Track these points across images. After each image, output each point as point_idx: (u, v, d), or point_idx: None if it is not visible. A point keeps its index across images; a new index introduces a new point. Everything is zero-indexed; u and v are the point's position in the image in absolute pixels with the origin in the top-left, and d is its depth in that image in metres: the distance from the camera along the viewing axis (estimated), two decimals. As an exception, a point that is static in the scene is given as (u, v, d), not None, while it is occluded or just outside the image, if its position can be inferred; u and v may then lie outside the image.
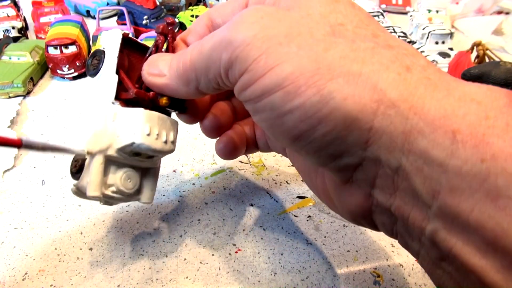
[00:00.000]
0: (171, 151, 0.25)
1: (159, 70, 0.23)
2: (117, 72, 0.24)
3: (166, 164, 0.38)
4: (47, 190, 0.35)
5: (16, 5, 0.61)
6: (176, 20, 0.61)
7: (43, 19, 0.60)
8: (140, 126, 0.22)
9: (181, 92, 0.22)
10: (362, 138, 0.16)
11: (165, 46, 0.25)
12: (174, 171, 0.37)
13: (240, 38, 0.18)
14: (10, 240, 0.30)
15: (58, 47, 0.49)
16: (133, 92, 0.23)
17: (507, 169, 0.13)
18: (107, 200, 0.24)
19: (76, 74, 0.51)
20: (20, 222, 0.31)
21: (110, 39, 0.24)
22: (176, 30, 0.27)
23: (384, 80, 0.16)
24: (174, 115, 0.27)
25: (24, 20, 0.61)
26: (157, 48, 0.25)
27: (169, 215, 0.33)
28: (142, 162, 0.25)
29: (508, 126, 0.14)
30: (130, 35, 0.25)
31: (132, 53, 0.25)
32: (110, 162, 0.24)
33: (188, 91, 0.22)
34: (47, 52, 0.50)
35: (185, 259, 0.29)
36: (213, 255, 0.30)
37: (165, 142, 0.24)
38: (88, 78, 0.52)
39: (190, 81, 0.21)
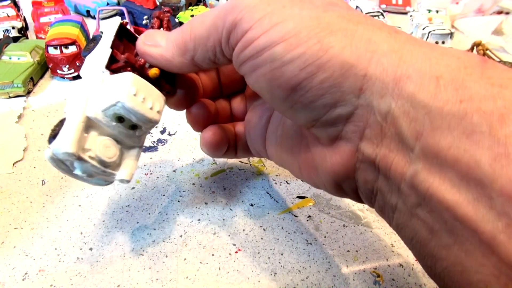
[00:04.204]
0: (156, 121, 0.24)
1: (156, 41, 0.24)
2: (111, 48, 0.24)
3: (166, 164, 0.38)
4: (47, 190, 0.35)
5: (16, 5, 0.60)
6: (176, 20, 0.61)
7: (43, 19, 0.60)
8: (126, 86, 0.22)
9: (176, 62, 0.23)
10: (357, 85, 0.18)
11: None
12: (174, 171, 0.37)
13: (245, 2, 0.19)
14: (10, 240, 0.30)
15: (58, 47, 0.49)
16: (124, 57, 0.24)
17: (481, 107, 0.15)
18: (82, 166, 0.23)
19: (76, 74, 0.50)
20: (20, 222, 0.31)
21: (109, 25, 0.25)
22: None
23: (377, 36, 0.18)
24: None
25: (24, 20, 0.61)
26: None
27: (169, 215, 0.33)
28: (125, 135, 0.24)
29: (482, 74, 0.16)
30: (128, 26, 0.26)
31: (127, 43, 0.26)
32: (90, 127, 0.23)
33: (183, 62, 0.23)
34: (47, 52, 0.50)
35: (185, 259, 0.29)
36: (213, 255, 0.30)
37: (151, 108, 0.23)
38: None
39: (187, 50, 0.22)
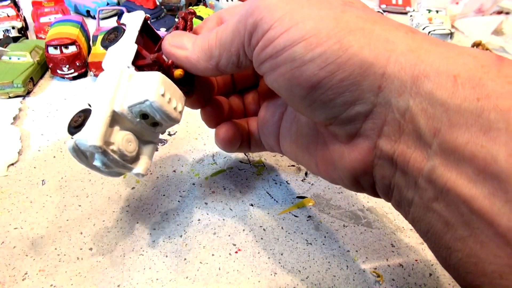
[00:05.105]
0: (178, 120, 0.25)
1: (182, 43, 0.24)
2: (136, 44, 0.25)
3: (166, 164, 0.38)
4: (47, 190, 0.35)
5: (16, 5, 0.60)
6: (176, 20, 0.61)
7: (43, 19, 0.60)
8: (156, 85, 0.23)
9: (200, 66, 0.24)
10: (376, 83, 0.18)
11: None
12: (174, 171, 0.37)
13: (265, 3, 0.20)
14: (10, 240, 0.30)
15: (58, 47, 0.49)
16: (154, 56, 0.24)
17: (498, 105, 0.15)
18: (102, 159, 0.23)
19: (76, 74, 0.50)
20: (20, 222, 0.31)
21: (133, 17, 0.26)
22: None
23: (394, 36, 0.18)
24: None
25: (24, 20, 0.61)
26: (177, 29, 0.26)
27: (169, 215, 0.33)
28: (144, 131, 0.25)
29: (499, 72, 0.16)
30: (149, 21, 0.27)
31: (146, 38, 0.27)
32: (114, 121, 0.23)
33: (207, 67, 0.23)
34: (47, 52, 0.50)
35: (185, 259, 0.29)
36: (213, 255, 0.30)
37: (175, 108, 0.24)
38: (88, 78, 0.52)
39: (213, 57, 0.23)
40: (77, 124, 0.23)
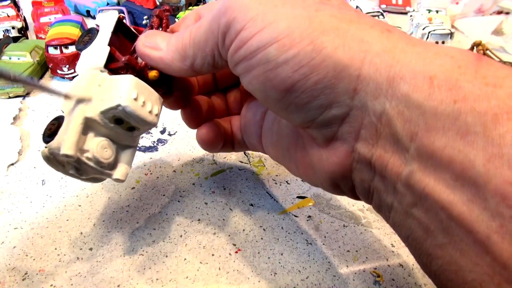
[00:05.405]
0: (154, 124, 0.24)
1: (156, 43, 0.24)
2: (109, 45, 0.24)
3: (166, 164, 0.38)
4: (47, 190, 0.35)
5: (16, 5, 0.60)
6: (176, 20, 0.61)
7: (43, 19, 0.60)
8: (128, 90, 0.22)
9: (175, 67, 0.23)
10: (351, 86, 0.18)
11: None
12: (174, 171, 0.37)
13: (238, 3, 0.19)
14: (10, 240, 0.30)
15: (58, 47, 0.49)
16: (126, 59, 0.23)
17: (475, 107, 0.15)
18: (78, 167, 0.23)
19: (76, 74, 0.50)
20: (20, 222, 0.31)
21: (106, 18, 0.25)
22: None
23: (370, 35, 0.18)
24: None
25: (24, 20, 0.61)
26: (151, 29, 0.25)
27: (169, 215, 0.33)
28: (121, 136, 0.24)
29: (476, 73, 0.16)
30: (125, 20, 0.26)
31: (123, 38, 0.26)
32: (88, 128, 0.23)
33: (182, 68, 0.23)
34: (47, 52, 0.50)
35: (185, 259, 0.29)
36: (213, 255, 0.30)
37: (150, 112, 0.23)
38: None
39: (187, 57, 0.22)
40: (50, 132, 0.22)
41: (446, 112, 0.15)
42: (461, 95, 0.15)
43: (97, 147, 0.23)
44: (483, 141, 0.14)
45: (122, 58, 0.24)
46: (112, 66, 0.24)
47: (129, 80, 0.22)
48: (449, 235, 0.16)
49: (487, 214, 0.14)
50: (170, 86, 0.26)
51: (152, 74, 0.24)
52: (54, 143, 0.22)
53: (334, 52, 0.17)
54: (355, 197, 0.22)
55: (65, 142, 0.21)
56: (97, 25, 0.25)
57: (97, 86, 0.23)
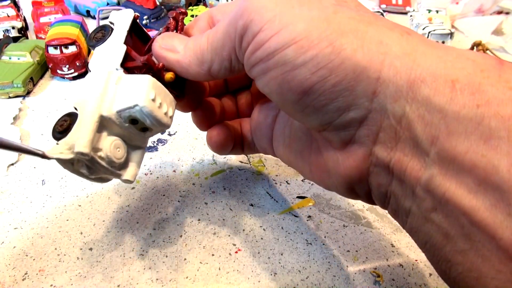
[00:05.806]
0: (168, 126, 0.24)
1: (173, 46, 0.24)
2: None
3: (166, 164, 0.38)
4: (47, 190, 0.35)
5: (16, 5, 0.60)
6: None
7: (43, 19, 0.60)
8: (146, 90, 0.22)
9: (192, 71, 0.23)
10: (370, 88, 0.17)
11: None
12: (174, 171, 0.37)
13: (254, 4, 0.19)
14: (10, 240, 0.30)
15: (58, 47, 0.49)
16: (144, 59, 0.23)
17: (499, 112, 0.15)
18: (90, 166, 0.22)
19: (76, 74, 0.50)
20: (20, 222, 0.31)
21: (121, 16, 0.25)
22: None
23: (389, 38, 0.18)
24: None
25: (24, 20, 0.61)
26: (167, 30, 0.25)
27: (169, 215, 0.33)
28: (133, 136, 0.24)
29: (500, 77, 0.15)
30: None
31: (135, 38, 0.26)
32: (102, 127, 0.22)
33: (200, 72, 0.23)
34: (47, 52, 0.50)
35: (185, 259, 0.29)
36: (213, 255, 0.30)
37: (165, 113, 0.23)
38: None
39: (205, 61, 0.22)
40: (62, 128, 0.22)
41: (468, 116, 0.15)
42: (485, 99, 0.15)
43: (111, 146, 0.23)
44: (508, 146, 0.14)
45: (141, 58, 0.23)
46: (128, 65, 0.24)
47: (147, 80, 0.22)
48: (470, 241, 0.15)
49: (511, 220, 0.14)
50: (183, 89, 0.26)
51: (169, 76, 0.24)
52: (68, 140, 0.21)
53: (353, 54, 0.17)
54: (371, 201, 0.21)
55: (81, 139, 0.21)
56: (111, 23, 0.25)
57: (113, 84, 0.23)
